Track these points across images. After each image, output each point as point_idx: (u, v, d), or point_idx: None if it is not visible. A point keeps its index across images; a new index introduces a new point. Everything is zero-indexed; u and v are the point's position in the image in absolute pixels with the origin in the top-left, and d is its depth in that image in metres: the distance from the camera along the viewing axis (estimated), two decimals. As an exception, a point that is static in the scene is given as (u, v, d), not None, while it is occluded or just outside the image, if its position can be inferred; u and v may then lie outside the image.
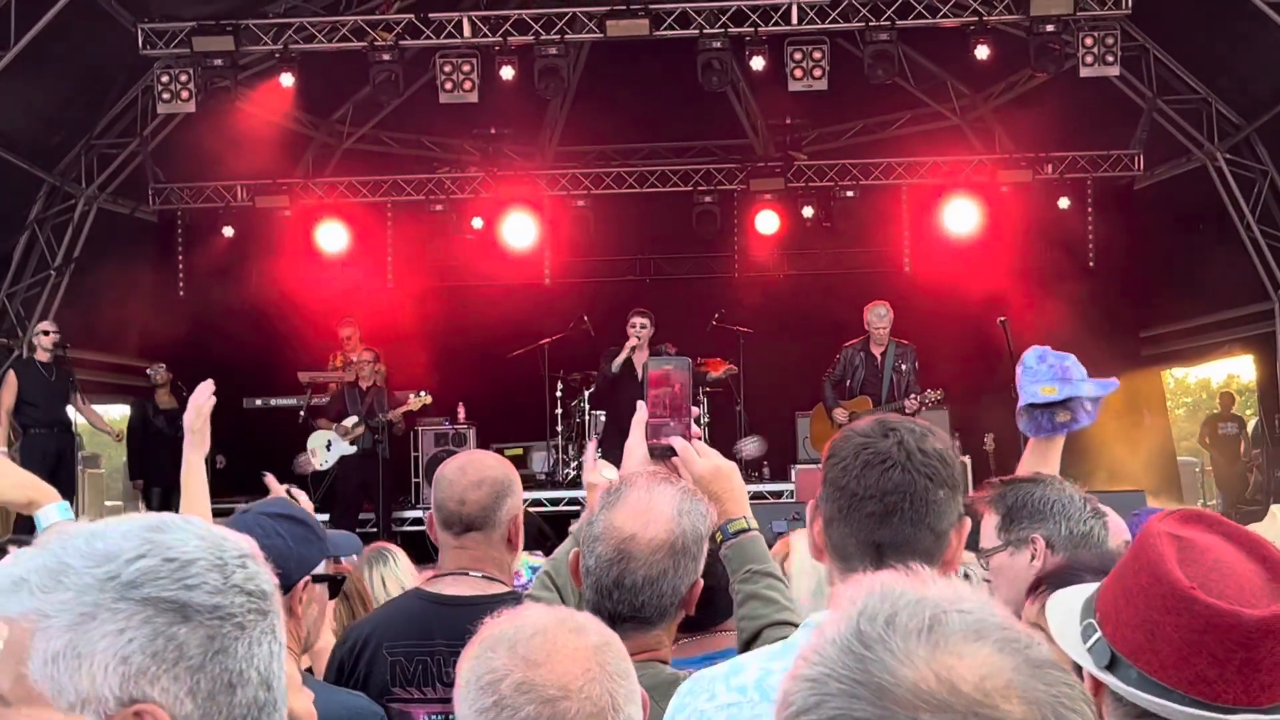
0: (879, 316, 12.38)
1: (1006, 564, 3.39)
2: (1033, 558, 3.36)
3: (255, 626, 1.38)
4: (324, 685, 3.12)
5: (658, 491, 2.69)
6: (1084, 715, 1.14)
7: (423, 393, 14.00)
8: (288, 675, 2.24)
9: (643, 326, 12.51)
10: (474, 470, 3.55)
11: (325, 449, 13.70)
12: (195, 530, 1.40)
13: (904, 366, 12.29)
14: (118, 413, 16.77)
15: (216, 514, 4.21)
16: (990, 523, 3.59)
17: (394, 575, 4.69)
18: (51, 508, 2.88)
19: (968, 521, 2.34)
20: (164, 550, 1.36)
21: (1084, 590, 2.00)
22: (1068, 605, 1.98)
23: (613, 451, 11.48)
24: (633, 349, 12.43)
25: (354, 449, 13.64)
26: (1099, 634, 1.86)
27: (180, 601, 1.33)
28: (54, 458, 12.64)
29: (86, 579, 1.33)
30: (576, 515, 12.38)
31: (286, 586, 3.06)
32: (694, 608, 2.73)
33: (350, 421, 13.66)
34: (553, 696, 1.79)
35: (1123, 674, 1.81)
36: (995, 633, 1.15)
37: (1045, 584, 2.71)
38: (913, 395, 12.11)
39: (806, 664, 1.17)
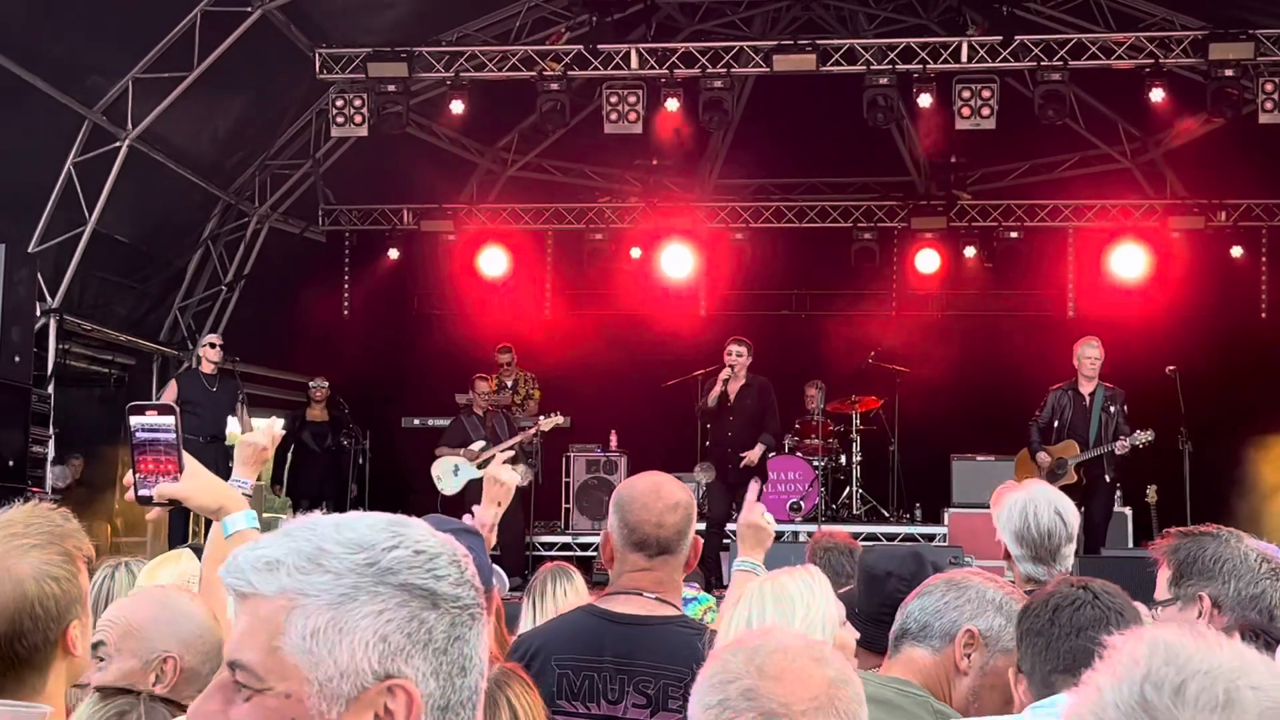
0: (1092, 348, 12.01)
1: (1176, 619, 3.32)
2: (1199, 615, 3.27)
3: (480, 619, 1.50)
4: None
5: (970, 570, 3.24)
6: None
7: (555, 414, 14.03)
8: None
9: (738, 355, 12.41)
10: (667, 494, 3.61)
11: (453, 474, 13.76)
12: (428, 529, 1.53)
13: (1113, 409, 11.88)
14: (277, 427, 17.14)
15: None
16: (1164, 575, 3.49)
17: (576, 590, 4.81)
18: (239, 515, 2.99)
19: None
20: (413, 543, 1.48)
21: None
22: None
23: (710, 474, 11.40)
24: (726, 380, 12.37)
25: (482, 474, 13.67)
26: None
27: (431, 589, 1.46)
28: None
29: (346, 563, 1.44)
30: (726, 548, 12.34)
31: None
32: (962, 662, 2.95)
33: (478, 446, 13.72)
34: (773, 711, 1.77)
35: None
36: None
37: None
38: (1122, 437, 11.73)
39: None
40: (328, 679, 1.41)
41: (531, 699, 2.71)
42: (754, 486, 4.49)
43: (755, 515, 4.32)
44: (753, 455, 12.32)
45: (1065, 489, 11.93)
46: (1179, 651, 1.12)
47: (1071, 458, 11.87)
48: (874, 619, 3.59)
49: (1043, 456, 11.94)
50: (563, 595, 4.75)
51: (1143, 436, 11.66)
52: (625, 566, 3.59)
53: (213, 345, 13.11)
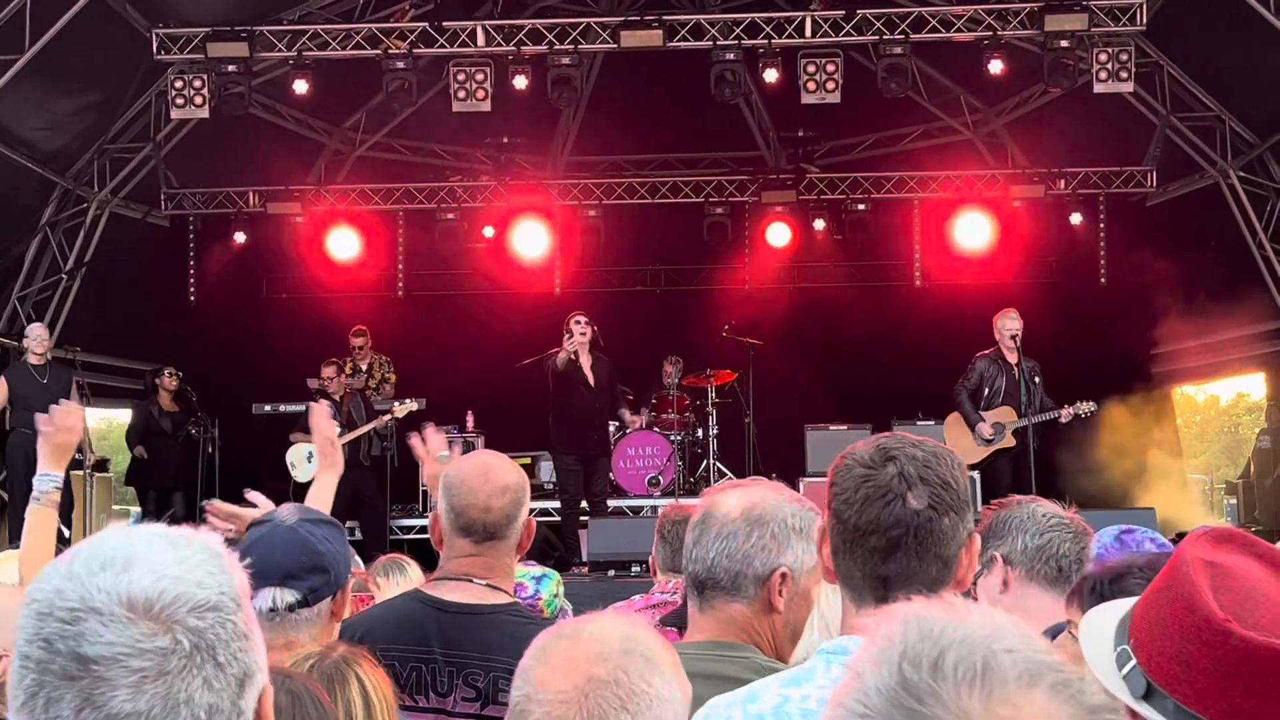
0: (1012, 321, 12.26)
1: (983, 586, 3.44)
2: (996, 575, 3.42)
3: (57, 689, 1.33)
4: None
5: (752, 486, 2.91)
6: None
7: (409, 400, 13.93)
8: None
9: (589, 324, 12.44)
10: (496, 476, 3.49)
11: (307, 461, 13.58)
12: (78, 573, 1.36)
13: (1036, 379, 12.21)
14: (125, 417, 16.80)
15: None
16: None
17: (411, 583, 4.71)
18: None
19: (977, 538, 2.31)
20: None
21: (1116, 609, 1.97)
22: (1101, 627, 1.96)
23: (564, 450, 11.45)
24: (575, 353, 12.33)
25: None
26: (1133, 662, 1.83)
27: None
28: (35, 459, 12.64)
29: None
30: (584, 525, 12.31)
31: (337, 588, 3.11)
32: (779, 603, 2.76)
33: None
34: (527, 694, 1.83)
35: (1159, 704, 1.78)
36: (1048, 675, 1.11)
37: (1074, 594, 2.72)
38: (1066, 406, 12.07)
39: (849, 713, 1.12)
40: None
41: (378, 677, 2.69)
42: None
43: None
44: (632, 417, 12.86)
45: (1000, 452, 12.38)
46: (932, 625, 1.13)
47: (1010, 423, 12.18)
48: None
49: (984, 427, 12.22)
50: (396, 589, 4.65)
51: (1085, 406, 12.03)
52: (453, 551, 3.49)
53: (37, 337, 12.83)
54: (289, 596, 2.99)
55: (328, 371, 13.86)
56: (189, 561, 1.37)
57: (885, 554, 2.25)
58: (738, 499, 2.83)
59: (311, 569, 3.03)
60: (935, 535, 2.24)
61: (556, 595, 5.01)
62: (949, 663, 1.10)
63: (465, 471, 3.52)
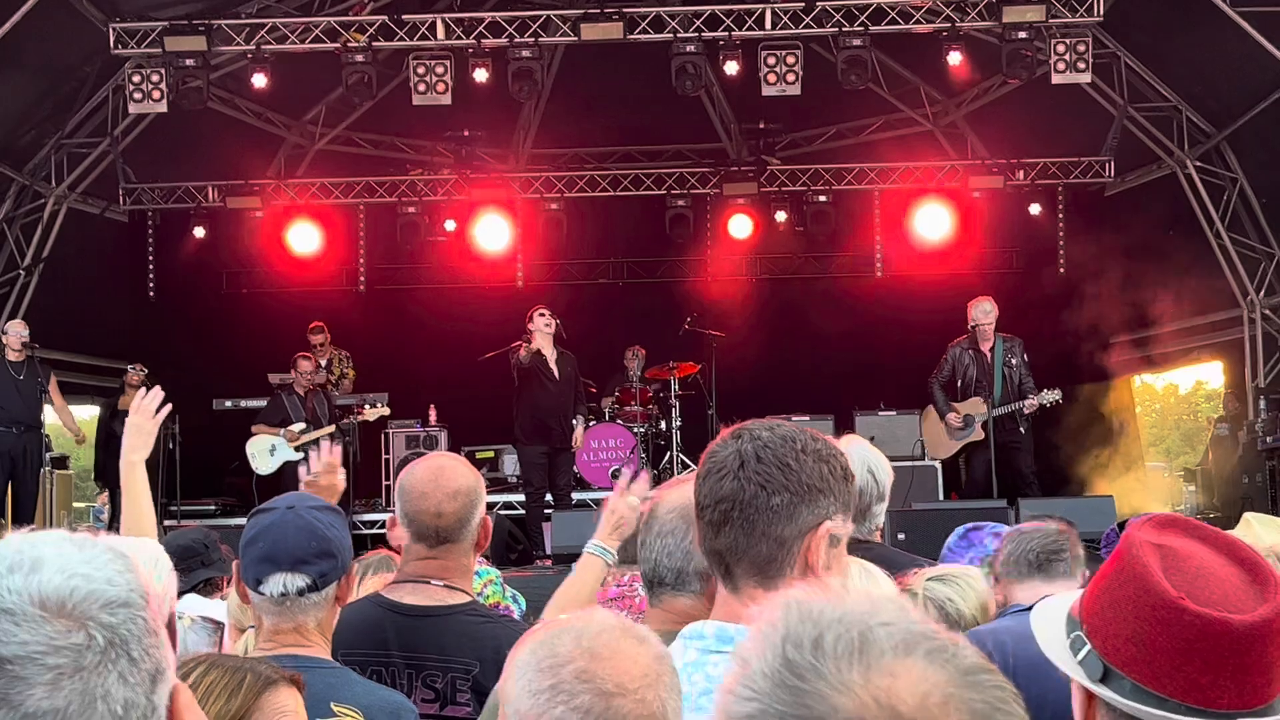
0: (985, 313, 12.22)
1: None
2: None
3: None
4: (364, 680, 3.14)
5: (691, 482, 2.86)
6: (1017, 715, 1.16)
7: (379, 404, 13.92)
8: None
9: (551, 316, 12.49)
10: (447, 480, 3.51)
11: (269, 454, 13.54)
12: None
13: (1014, 361, 12.19)
14: (87, 413, 16.69)
15: (192, 515, 4.22)
16: None
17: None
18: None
19: (827, 526, 2.26)
20: None
21: (1066, 599, 2.01)
22: (1052, 616, 2.00)
23: (529, 442, 11.38)
24: (539, 349, 12.38)
25: (300, 455, 13.50)
26: (1089, 646, 1.87)
27: None
28: (14, 456, 12.59)
29: None
30: (548, 518, 12.23)
31: (343, 572, 3.15)
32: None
33: (298, 427, 13.54)
34: (610, 691, 1.81)
35: (1116, 686, 1.83)
36: (923, 643, 1.16)
37: None
38: (1030, 396, 12.10)
39: (737, 699, 1.15)
40: None
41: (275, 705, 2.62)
42: (626, 473, 4.36)
43: (620, 502, 4.19)
44: (579, 434, 12.79)
45: (972, 445, 12.37)
46: (811, 607, 1.18)
47: (979, 415, 12.18)
48: None
49: (953, 418, 12.24)
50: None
51: (1050, 395, 12.06)
52: (410, 555, 3.53)
53: (16, 333, 12.73)
54: (299, 581, 3.04)
55: (305, 366, 13.82)
56: (96, 561, 1.37)
57: (717, 528, 2.28)
58: (677, 496, 2.81)
59: (320, 554, 3.08)
60: (764, 514, 2.25)
61: (483, 591, 4.83)
62: (829, 640, 1.14)
63: (416, 477, 3.54)
